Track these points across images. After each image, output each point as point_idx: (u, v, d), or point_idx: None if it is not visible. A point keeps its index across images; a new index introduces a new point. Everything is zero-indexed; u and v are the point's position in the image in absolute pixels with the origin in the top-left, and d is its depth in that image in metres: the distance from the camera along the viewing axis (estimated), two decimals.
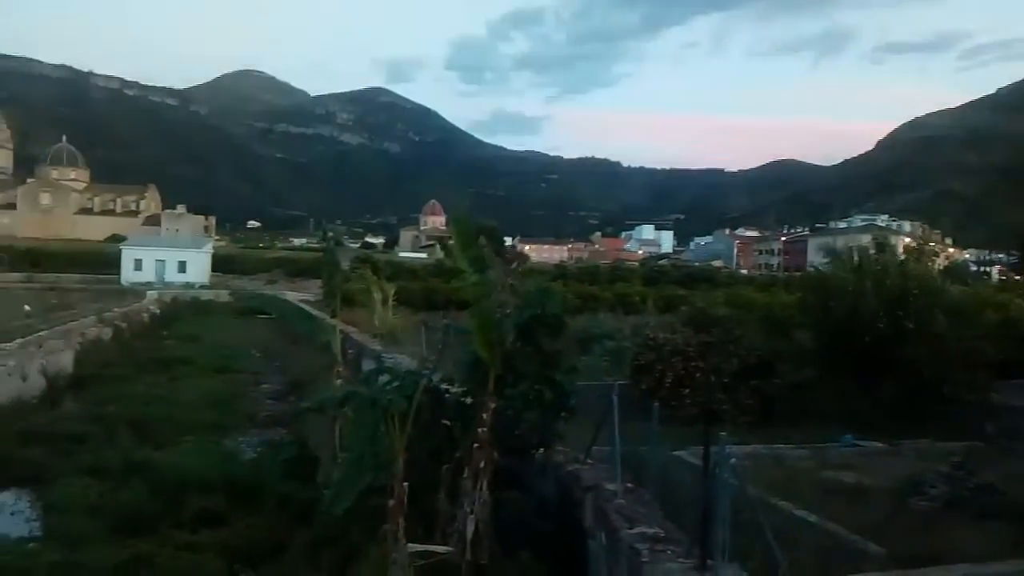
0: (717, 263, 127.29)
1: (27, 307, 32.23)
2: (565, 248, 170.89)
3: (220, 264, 75.74)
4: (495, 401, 8.00)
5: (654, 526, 6.74)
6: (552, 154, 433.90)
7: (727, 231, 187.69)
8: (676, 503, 7.62)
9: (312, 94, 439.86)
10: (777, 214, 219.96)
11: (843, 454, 11.45)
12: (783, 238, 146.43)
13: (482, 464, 7.74)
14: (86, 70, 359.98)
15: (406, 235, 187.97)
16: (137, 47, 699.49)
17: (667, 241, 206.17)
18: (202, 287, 61.17)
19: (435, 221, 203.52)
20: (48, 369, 19.80)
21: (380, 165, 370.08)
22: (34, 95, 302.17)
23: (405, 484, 7.35)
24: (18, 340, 19.26)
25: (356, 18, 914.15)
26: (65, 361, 21.61)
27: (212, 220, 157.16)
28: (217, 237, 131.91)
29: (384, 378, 9.38)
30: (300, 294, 52.05)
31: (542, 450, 9.14)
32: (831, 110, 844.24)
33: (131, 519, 9.72)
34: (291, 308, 39.13)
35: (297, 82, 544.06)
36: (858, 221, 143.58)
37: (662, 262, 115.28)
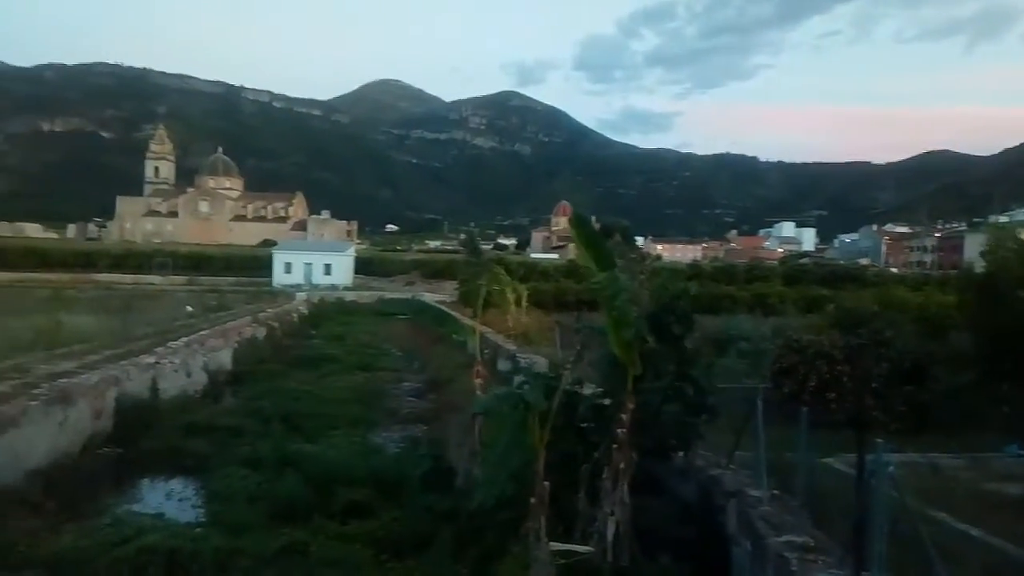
0: (864, 261, 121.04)
1: (189, 308, 34.74)
2: (699, 247, 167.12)
3: (361, 266, 78.91)
4: (633, 401, 7.93)
5: (803, 535, 6.51)
6: (684, 151, 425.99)
7: (874, 227, 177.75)
8: (825, 512, 7.32)
9: (446, 100, 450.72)
10: (930, 208, 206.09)
11: (1008, 464, 10.63)
12: (937, 234, 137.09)
13: (621, 465, 7.70)
14: (238, 85, 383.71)
15: (537, 236, 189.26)
16: (284, 62, 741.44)
17: (809, 238, 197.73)
18: (346, 288, 63.92)
19: (565, 222, 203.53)
20: (209, 366, 21.24)
21: (511, 167, 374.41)
22: (192, 110, 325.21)
23: (546, 484, 7.41)
24: (183, 339, 20.78)
25: (487, 25, 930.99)
26: (224, 359, 23.11)
27: (354, 224, 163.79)
28: (358, 240, 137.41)
29: (520, 378, 9.52)
30: (436, 295, 53.47)
31: (682, 453, 9.00)
32: (988, 96, 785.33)
33: (286, 508, 10.27)
34: (432, 310, 40.23)
35: (432, 89, 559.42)
36: (1022, 215, 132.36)
37: (804, 261, 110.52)
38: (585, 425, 8.54)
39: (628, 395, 7.90)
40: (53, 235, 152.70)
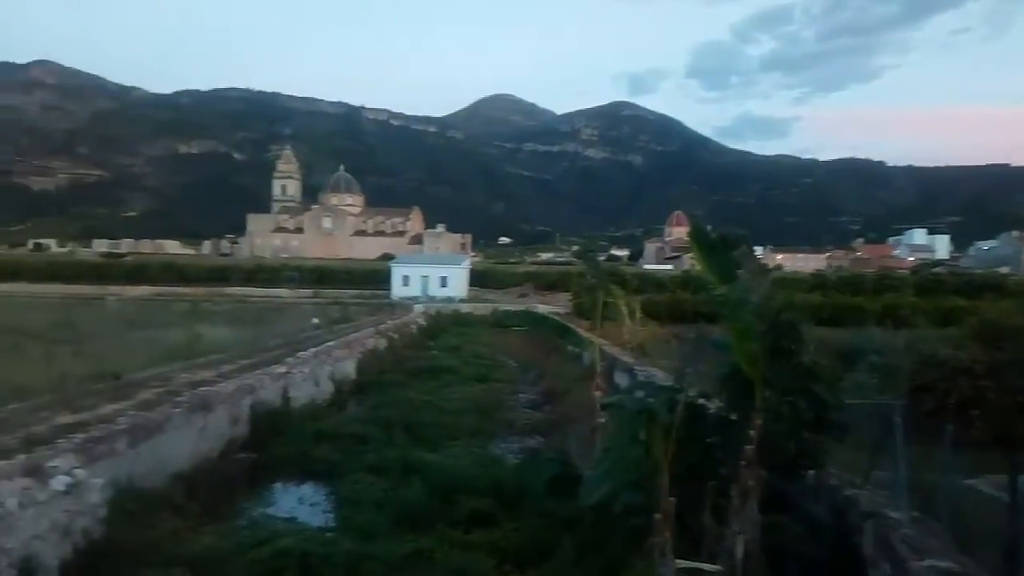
0: (1003, 270, 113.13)
1: (315, 320, 36.18)
2: (823, 256, 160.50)
3: (476, 279, 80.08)
4: (761, 417, 7.70)
5: (947, 560, 6.14)
6: (805, 157, 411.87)
7: (1014, 233, 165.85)
8: (971, 536, 6.89)
9: (558, 113, 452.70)
10: None
11: None
12: None
13: (750, 483, 7.49)
14: (358, 105, 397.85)
15: (650, 247, 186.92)
16: (402, 82, 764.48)
17: (942, 246, 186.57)
18: (461, 301, 65.02)
19: (680, 232, 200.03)
20: (335, 375, 22.06)
21: (623, 178, 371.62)
22: (316, 130, 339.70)
23: (672, 499, 7.28)
24: (311, 350, 21.67)
25: (598, 38, 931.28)
26: (349, 368, 23.94)
27: (468, 237, 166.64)
28: (473, 253, 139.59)
29: (641, 392, 9.40)
30: (550, 307, 53.63)
31: (812, 471, 8.67)
32: None
33: (410, 516, 10.52)
34: (550, 322, 40.25)
35: (544, 103, 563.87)
36: None
37: (937, 269, 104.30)
38: (710, 440, 8.34)
39: (756, 411, 7.68)
40: (190, 251, 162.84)
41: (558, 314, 45.53)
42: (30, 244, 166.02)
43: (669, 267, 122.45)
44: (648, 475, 7.42)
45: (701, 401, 8.92)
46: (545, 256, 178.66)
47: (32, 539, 7.55)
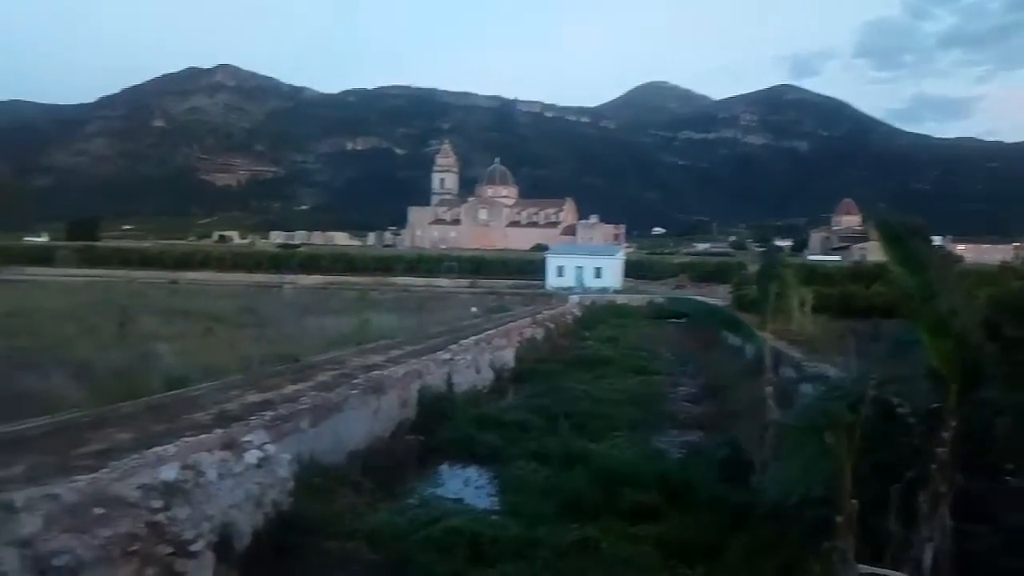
0: None
1: (474, 309, 37.15)
2: (1010, 247, 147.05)
3: (630, 269, 79.41)
4: (956, 417, 7.14)
5: None
6: (989, 139, 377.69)
7: None
8: None
9: (715, 99, 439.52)
10: None
11: None
12: None
13: (942, 487, 6.96)
14: (512, 98, 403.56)
15: (815, 237, 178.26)
16: (555, 73, 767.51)
17: None
18: (616, 291, 64.68)
19: (848, 221, 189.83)
20: (495, 363, 22.55)
21: (785, 165, 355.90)
22: (471, 124, 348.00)
23: (854, 502, 6.91)
24: (472, 337, 22.24)
25: (757, 19, 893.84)
26: (508, 357, 24.40)
27: (622, 228, 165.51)
28: (626, 244, 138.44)
29: (820, 388, 9.00)
30: (708, 299, 52.30)
31: (1016, 476, 7.96)
32: None
33: (574, 504, 10.56)
34: (718, 313, 38.94)
35: (700, 89, 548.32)
36: None
37: None
38: (897, 440, 7.83)
39: (950, 410, 7.13)
40: (356, 242, 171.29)
41: (718, 306, 44.34)
42: (215, 236, 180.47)
43: (836, 258, 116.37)
44: (829, 475, 7.08)
45: (886, 399, 8.41)
46: (701, 246, 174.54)
47: (229, 508, 8.16)
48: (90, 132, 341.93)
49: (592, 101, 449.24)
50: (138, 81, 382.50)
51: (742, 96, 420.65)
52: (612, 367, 25.23)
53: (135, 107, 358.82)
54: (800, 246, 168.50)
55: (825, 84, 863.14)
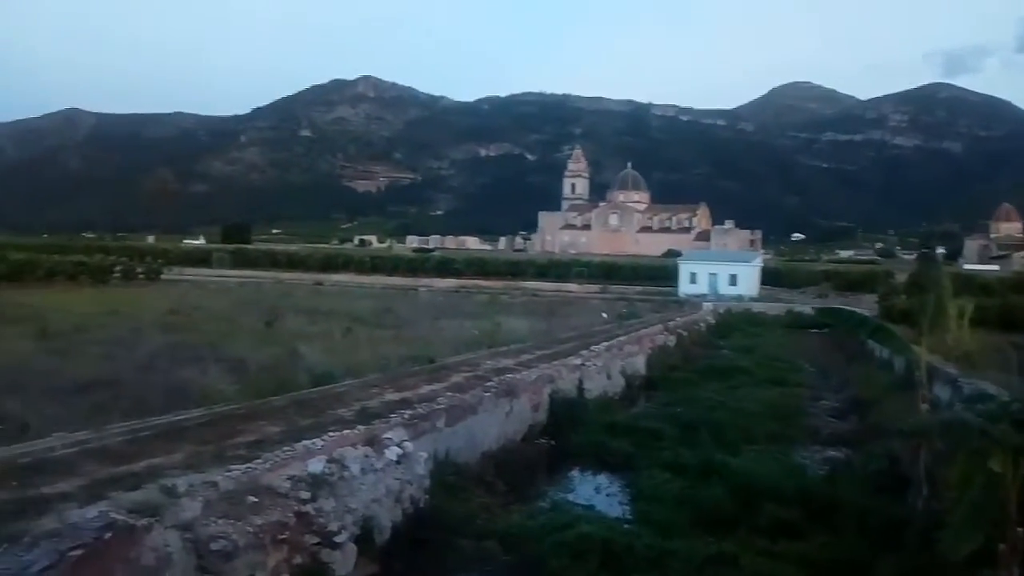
0: None
1: (604, 314, 36.96)
2: None
3: (767, 277, 76.70)
4: None
5: None
6: None
7: None
8: None
9: (861, 98, 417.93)
10: None
11: None
12: None
13: None
14: (646, 102, 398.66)
15: (971, 244, 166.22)
16: (690, 76, 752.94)
17: None
18: (752, 300, 62.66)
19: (1008, 228, 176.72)
20: (626, 370, 22.29)
21: (937, 168, 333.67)
22: (603, 129, 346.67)
23: (1020, 530, 6.36)
24: (603, 343, 22.10)
25: (905, 13, 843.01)
26: (639, 364, 24.07)
27: (758, 234, 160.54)
28: (763, 250, 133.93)
29: (980, 407, 8.36)
30: (854, 309, 49.79)
31: None
32: None
33: (710, 517, 10.25)
34: (870, 323, 36.51)
35: (845, 88, 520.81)
36: None
37: None
38: None
39: None
40: (487, 247, 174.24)
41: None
42: (356, 239, 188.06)
43: (995, 267, 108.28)
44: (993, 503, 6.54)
45: None
46: (845, 254, 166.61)
47: (371, 502, 8.44)
48: (244, 142, 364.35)
49: (729, 103, 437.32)
50: (288, 93, 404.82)
51: (891, 95, 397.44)
52: (748, 377, 24.42)
53: (284, 117, 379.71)
54: (954, 254, 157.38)
55: (983, 82, 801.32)
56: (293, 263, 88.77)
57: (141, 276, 56.01)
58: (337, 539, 7.44)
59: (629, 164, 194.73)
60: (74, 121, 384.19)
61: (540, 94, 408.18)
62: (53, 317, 24.81)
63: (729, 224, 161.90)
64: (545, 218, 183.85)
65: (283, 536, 6.84)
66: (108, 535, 5.32)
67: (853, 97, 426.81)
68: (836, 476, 12.08)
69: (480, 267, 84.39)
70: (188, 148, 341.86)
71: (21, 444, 8.07)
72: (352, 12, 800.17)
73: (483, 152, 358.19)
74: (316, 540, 7.25)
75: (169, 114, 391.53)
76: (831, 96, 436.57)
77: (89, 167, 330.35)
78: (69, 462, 7.23)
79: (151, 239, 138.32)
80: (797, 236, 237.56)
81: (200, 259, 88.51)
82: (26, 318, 24.32)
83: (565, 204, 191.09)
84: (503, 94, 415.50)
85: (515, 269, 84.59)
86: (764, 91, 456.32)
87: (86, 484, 6.52)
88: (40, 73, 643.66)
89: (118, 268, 54.93)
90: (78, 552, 5.01)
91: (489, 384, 13.92)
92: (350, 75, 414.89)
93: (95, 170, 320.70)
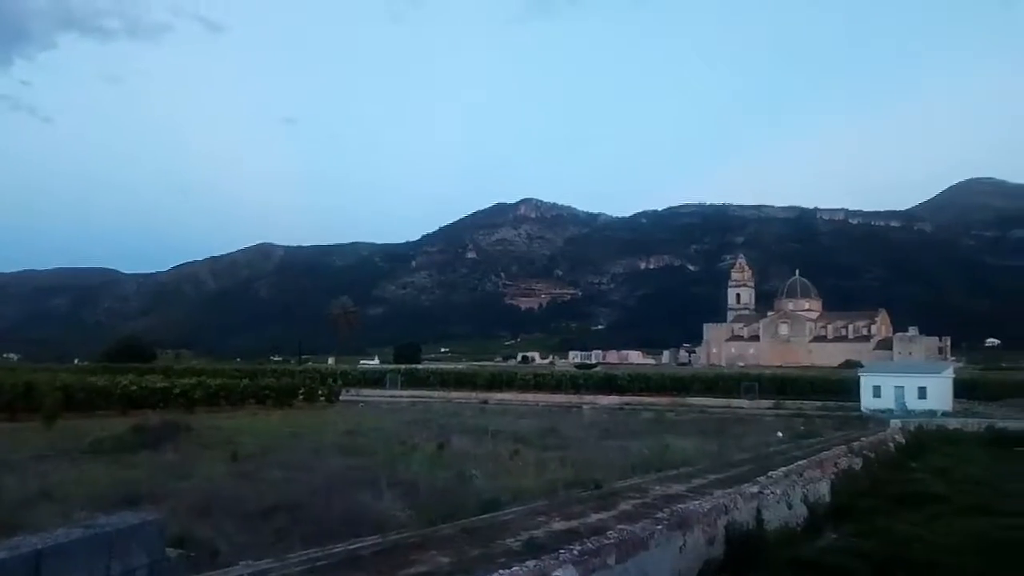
0: None
1: (779, 434, 35.00)
2: None
3: (960, 389, 70.23)
4: None
5: None
6: None
7: None
8: None
9: None
10: None
11: None
12: None
13: None
14: (811, 207, 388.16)
15: None
16: (858, 177, 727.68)
17: None
18: (944, 414, 57.40)
19: None
20: (808, 498, 20.76)
21: None
22: (767, 236, 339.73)
23: None
24: (782, 468, 20.81)
25: None
26: (822, 490, 22.37)
27: (946, 340, 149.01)
28: (954, 358, 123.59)
29: None
30: None
31: None
32: None
33: None
34: None
35: None
36: None
37: None
38: None
39: None
40: (650, 360, 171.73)
41: None
42: (519, 356, 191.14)
43: None
44: None
45: None
46: None
47: None
48: (414, 266, 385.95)
49: (903, 204, 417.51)
50: (454, 219, 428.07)
51: None
52: (946, 506, 22.04)
53: (450, 242, 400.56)
54: None
55: None
56: (460, 381, 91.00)
57: (322, 398, 59.08)
58: None
59: (796, 271, 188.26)
60: (266, 253, 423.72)
61: (699, 205, 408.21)
62: (243, 440, 26.59)
63: (913, 331, 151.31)
64: (710, 330, 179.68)
65: None
66: None
67: None
68: None
69: (644, 383, 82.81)
70: (366, 274, 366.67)
71: (212, 572, 8.56)
72: (512, 139, 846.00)
73: (643, 265, 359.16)
74: None
75: (349, 244, 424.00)
76: (1019, 191, 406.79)
77: (278, 295, 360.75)
78: None
79: (331, 360, 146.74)
80: (992, 342, 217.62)
81: (375, 379, 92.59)
82: (220, 442, 26.20)
83: (730, 315, 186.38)
84: (660, 207, 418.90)
85: (680, 384, 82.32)
86: (941, 188, 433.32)
87: None
88: (238, 210, 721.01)
89: (301, 391, 58.33)
90: None
91: (660, 515, 13.36)
92: (511, 198, 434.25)
93: (283, 297, 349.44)
